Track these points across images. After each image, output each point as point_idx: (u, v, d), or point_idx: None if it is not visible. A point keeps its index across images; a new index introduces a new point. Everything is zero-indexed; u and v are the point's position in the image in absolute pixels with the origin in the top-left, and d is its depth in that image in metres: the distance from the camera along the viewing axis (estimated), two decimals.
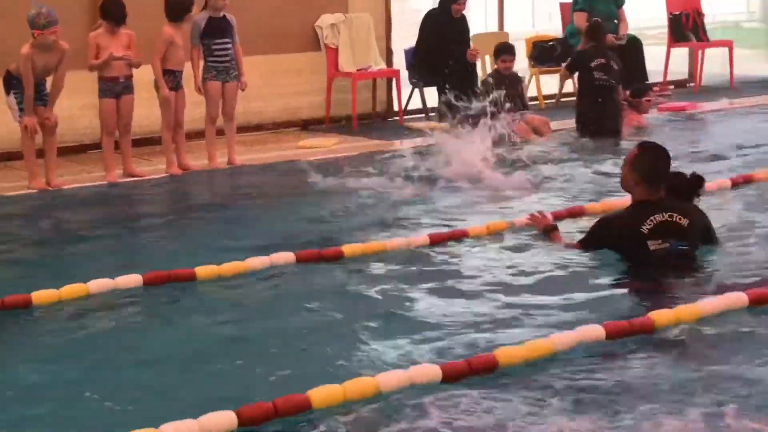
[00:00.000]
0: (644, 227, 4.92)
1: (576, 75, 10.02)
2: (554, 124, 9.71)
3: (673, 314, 4.16)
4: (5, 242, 5.99)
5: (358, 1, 10.54)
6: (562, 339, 3.93)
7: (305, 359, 3.99)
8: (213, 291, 4.94)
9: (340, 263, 5.29)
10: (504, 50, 9.77)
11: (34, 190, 7.57)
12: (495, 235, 5.74)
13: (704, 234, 5.12)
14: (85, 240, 6.02)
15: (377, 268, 5.20)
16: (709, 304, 4.28)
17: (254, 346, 4.12)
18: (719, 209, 5.90)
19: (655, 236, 4.91)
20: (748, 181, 6.90)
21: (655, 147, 5.19)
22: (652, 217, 4.92)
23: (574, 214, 6.20)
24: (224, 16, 8.18)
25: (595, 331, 3.99)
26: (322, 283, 4.96)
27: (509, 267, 5.14)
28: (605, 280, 4.84)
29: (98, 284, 4.88)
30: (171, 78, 7.97)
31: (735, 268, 4.95)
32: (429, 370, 3.67)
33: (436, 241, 5.64)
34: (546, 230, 5.58)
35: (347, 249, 5.44)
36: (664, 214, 4.93)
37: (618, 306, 4.50)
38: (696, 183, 5.18)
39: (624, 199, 5.70)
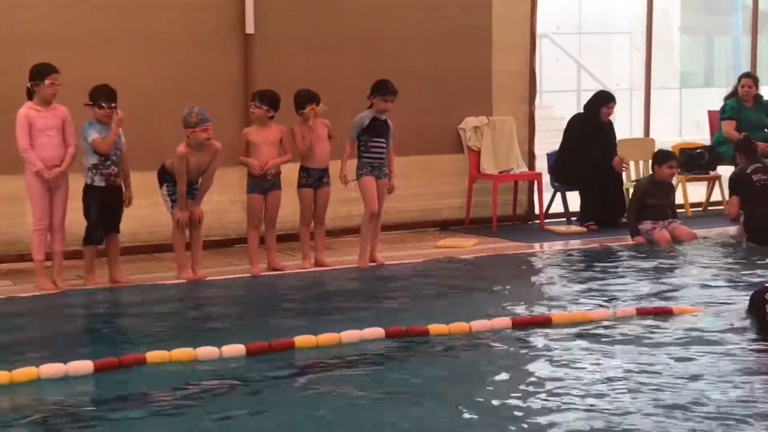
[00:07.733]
0: None
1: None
2: (701, 232, 9.51)
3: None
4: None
5: (502, 104, 10.61)
6: None
7: None
8: None
9: None
10: (670, 157, 9.63)
11: (183, 280, 7.78)
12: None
13: None
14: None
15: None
16: None
17: None
18: None
19: None
20: None
21: None
22: None
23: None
24: (385, 119, 8.44)
25: None
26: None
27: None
28: None
29: None
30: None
31: None
32: None
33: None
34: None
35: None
36: None
37: None
38: None
39: None
